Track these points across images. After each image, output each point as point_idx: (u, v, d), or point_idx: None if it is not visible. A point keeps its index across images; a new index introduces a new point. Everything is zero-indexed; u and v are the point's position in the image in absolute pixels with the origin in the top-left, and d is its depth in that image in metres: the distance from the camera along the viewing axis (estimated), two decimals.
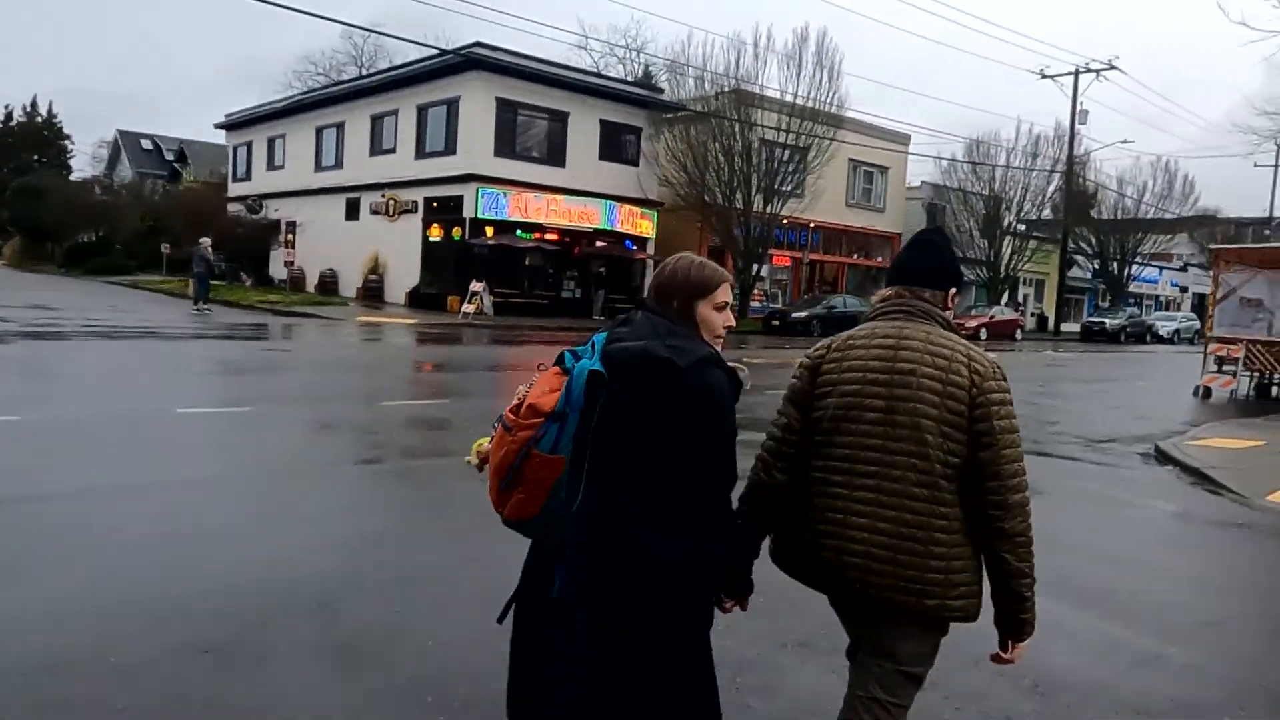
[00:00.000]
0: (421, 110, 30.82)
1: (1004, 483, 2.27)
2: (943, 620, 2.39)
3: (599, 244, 31.21)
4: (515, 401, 2.24)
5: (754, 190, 31.72)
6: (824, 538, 2.40)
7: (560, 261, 31.00)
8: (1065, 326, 45.81)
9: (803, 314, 30.40)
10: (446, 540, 5.61)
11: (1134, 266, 49.54)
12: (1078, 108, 42.25)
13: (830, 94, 31.97)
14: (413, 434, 9.28)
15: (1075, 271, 48.66)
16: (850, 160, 37.99)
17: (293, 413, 9.92)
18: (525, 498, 2.17)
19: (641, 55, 46.91)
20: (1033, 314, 48.69)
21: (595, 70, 37.40)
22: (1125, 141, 62.53)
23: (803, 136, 31.97)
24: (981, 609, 2.40)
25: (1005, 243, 41.90)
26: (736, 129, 31.38)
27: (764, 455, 2.53)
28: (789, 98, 31.75)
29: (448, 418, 10.13)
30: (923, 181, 43.60)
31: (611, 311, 30.43)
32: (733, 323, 2.45)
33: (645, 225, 32.45)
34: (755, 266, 33.04)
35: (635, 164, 32.38)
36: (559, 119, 30.40)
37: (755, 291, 36.25)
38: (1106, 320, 42.52)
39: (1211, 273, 19.47)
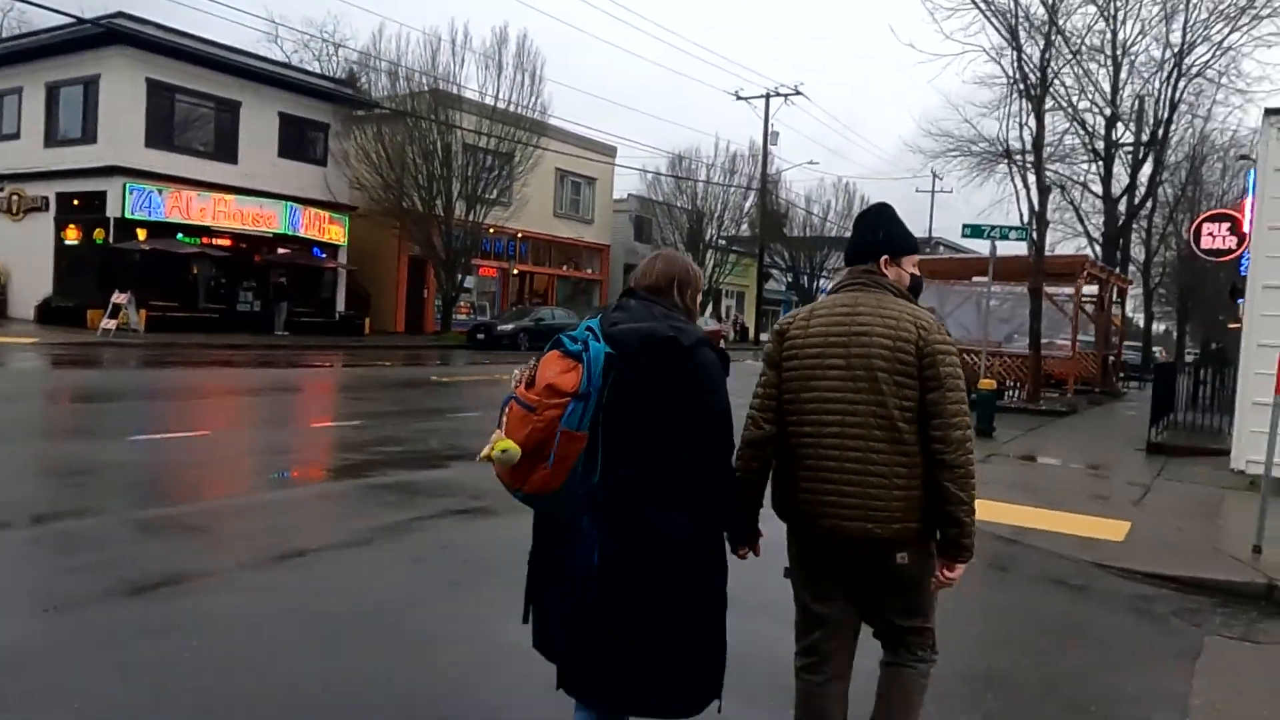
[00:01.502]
0: (52, 89, 25.99)
1: (947, 420, 2.57)
2: (920, 541, 2.66)
3: (281, 251, 27.93)
4: (518, 384, 2.38)
5: (455, 196, 29.91)
6: (801, 483, 2.68)
7: (236, 270, 27.38)
8: (764, 336, 48.25)
9: (509, 327, 28.98)
10: None
11: (822, 279, 53.33)
12: (769, 129, 44.62)
13: (533, 98, 30.99)
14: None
15: (771, 284, 51.50)
16: (558, 170, 37.36)
17: None
18: (550, 474, 2.29)
19: (340, 51, 43.46)
20: (734, 325, 50.82)
21: (277, 60, 33.72)
22: (812, 162, 68.05)
23: (505, 142, 30.66)
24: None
25: (708, 256, 43.21)
26: (435, 130, 29.43)
27: (752, 412, 2.76)
28: (490, 100, 30.32)
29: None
30: (629, 194, 43.99)
31: (296, 326, 27.32)
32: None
33: (336, 231, 29.56)
34: (459, 277, 31.19)
35: (323, 164, 29.44)
36: (229, 109, 26.84)
37: (462, 304, 34.47)
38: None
39: None
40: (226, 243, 26.66)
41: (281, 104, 28.06)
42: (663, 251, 2.76)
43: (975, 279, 17.88)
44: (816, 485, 2.64)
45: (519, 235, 35.69)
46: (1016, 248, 17.16)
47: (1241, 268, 21.61)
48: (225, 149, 26.78)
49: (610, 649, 2.42)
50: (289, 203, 27.63)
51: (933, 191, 58.95)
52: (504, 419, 2.34)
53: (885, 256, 2.81)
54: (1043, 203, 16.52)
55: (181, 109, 25.91)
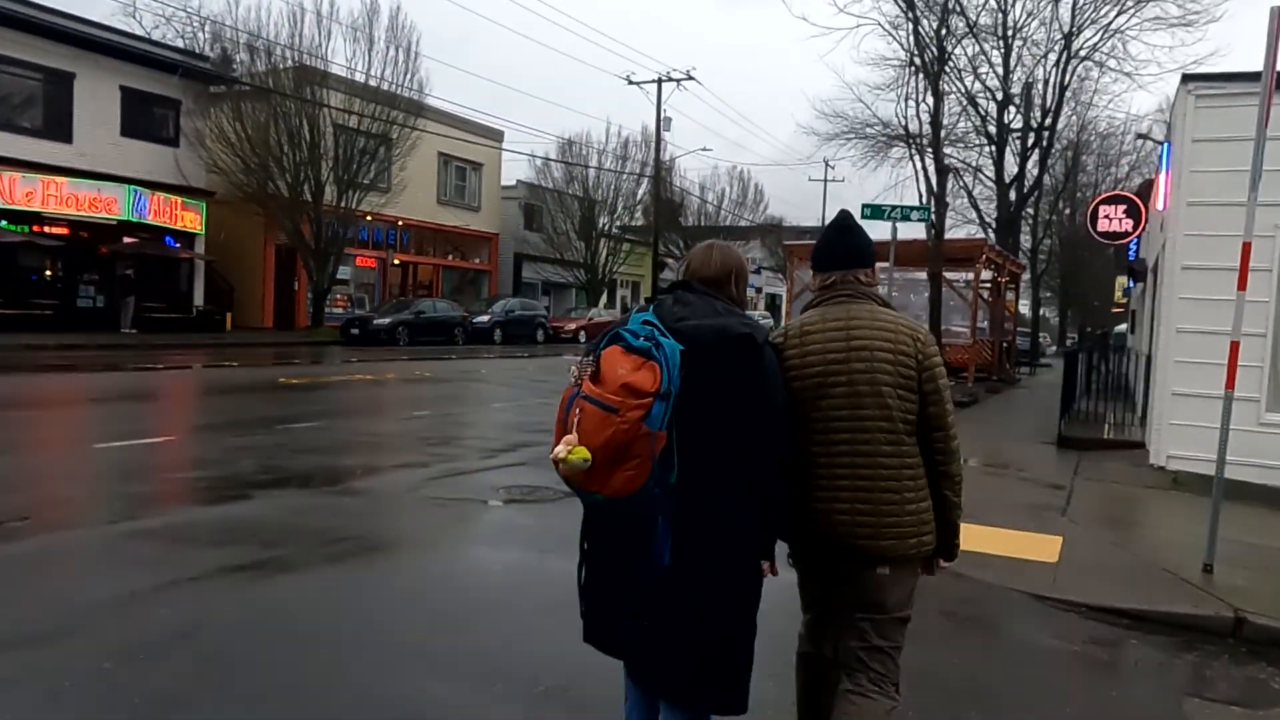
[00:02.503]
0: None
1: (946, 432, 2.66)
2: (919, 558, 2.68)
3: (128, 240, 25.22)
4: (579, 381, 2.32)
5: (325, 180, 27.68)
6: (814, 503, 2.64)
7: (76, 261, 24.55)
8: None
9: (386, 320, 26.98)
10: None
11: None
12: (662, 115, 43.50)
13: (408, 76, 28.98)
14: None
15: (667, 274, 50.48)
16: (441, 154, 35.36)
17: None
18: (635, 474, 2.24)
19: (207, 25, 40.16)
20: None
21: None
22: (705, 149, 66.81)
23: (379, 122, 28.60)
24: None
25: (601, 245, 41.82)
26: (301, 109, 27.14)
27: None
28: (360, 77, 28.19)
29: None
30: (518, 181, 42.19)
31: (147, 323, 24.73)
32: None
33: (191, 218, 26.95)
34: (331, 268, 28.92)
35: (174, 144, 26.78)
36: (60, 80, 23.97)
37: (338, 296, 32.19)
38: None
39: (786, 272, 19.43)
40: (62, 231, 23.86)
41: (124, 77, 25.29)
42: (716, 243, 2.72)
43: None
44: (829, 507, 2.63)
45: (399, 223, 33.57)
46: (914, 231, 16.37)
47: (1131, 251, 21.57)
48: (57, 126, 23.91)
49: (680, 642, 2.42)
50: (134, 186, 24.91)
51: (825, 180, 59.15)
52: (573, 419, 2.29)
53: (868, 268, 2.79)
54: (941, 183, 15.76)
55: (3, 81, 22.98)
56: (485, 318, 30.91)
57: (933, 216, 14.71)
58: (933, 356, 2.64)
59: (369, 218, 30.43)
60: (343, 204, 28.27)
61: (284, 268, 30.46)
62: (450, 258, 38.04)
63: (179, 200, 26.49)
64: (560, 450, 2.25)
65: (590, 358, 2.36)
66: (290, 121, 27.28)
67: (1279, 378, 9.01)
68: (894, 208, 12.83)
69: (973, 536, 6.54)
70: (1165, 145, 10.10)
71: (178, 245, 26.92)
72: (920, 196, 16.27)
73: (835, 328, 2.66)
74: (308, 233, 28.05)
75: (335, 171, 28.22)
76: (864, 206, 12.78)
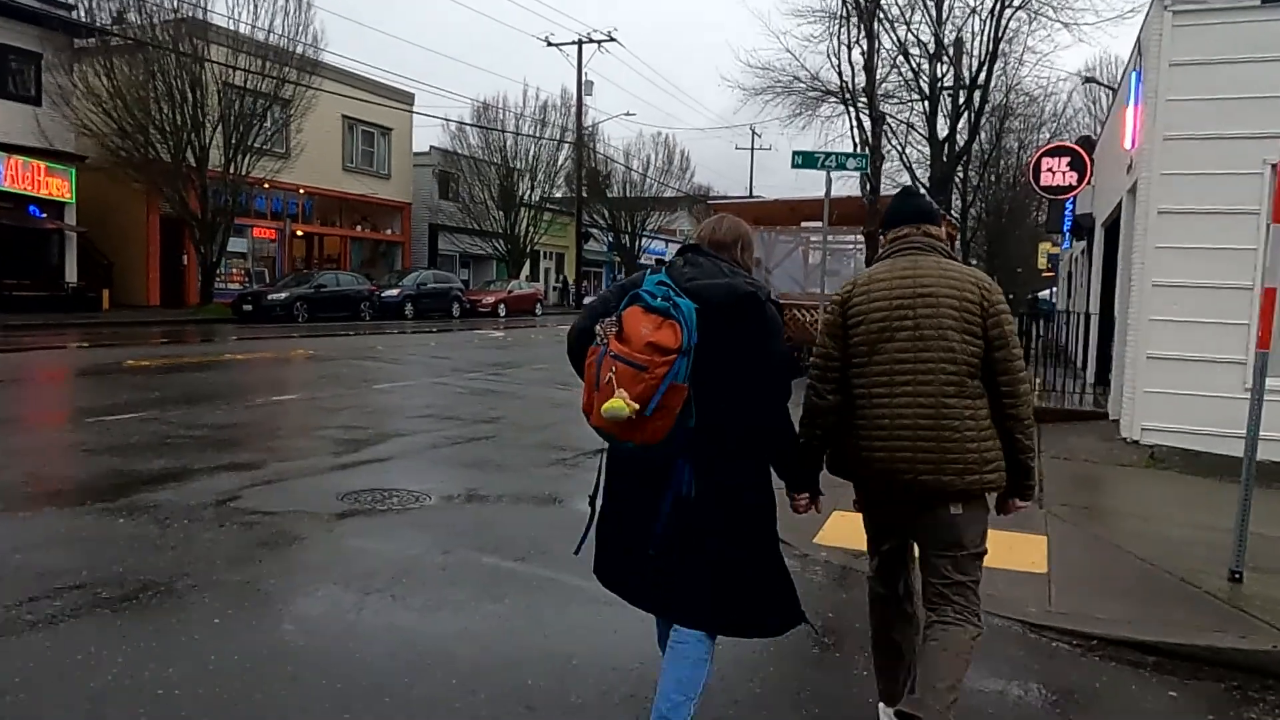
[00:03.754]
0: None
1: (1014, 376, 2.73)
2: (983, 493, 2.78)
3: None
4: (605, 340, 2.49)
5: (209, 144, 25.24)
6: (876, 442, 2.76)
7: None
8: (588, 300, 45.37)
9: (283, 295, 24.77)
10: None
11: (644, 240, 51.06)
12: (583, 78, 41.58)
13: (301, 29, 26.59)
14: None
15: (592, 245, 48.79)
16: (345, 118, 33.01)
17: None
18: (663, 423, 2.44)
19: None
20: (555, 288, 47.89)
21: None
22: (629, 114, 65.18)
23: (271, 80, 26.21)
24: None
25: (522, 214, 39.85)
26: (181, 65, 24.60)
27: (813, 382, 2.90)
28: (247, 29, 25.73)
29: None
30: (432, 147, 39.86)
31: (6, 302, 22.16)
32: None
33: (58, 185, 24.30)
34: (221, 240, 26.46)
35: (36, 103, 24.02)
36: None
37: (234, 271, 29.77)
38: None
39: None
40: None
41: None
42: (725, 214, 2.92)
43: (804, 224, 15.67)
44: (891, 445, 2.73)
45: (301, 191, 31.19)
46: (849, 188, 15.04)
47: (1067, 213, 20.69)
48: None
49: (697, 572, 2.62)
50: None
51: (752, 149, 58.02)
52: (608, 376, 2.43)
53: (929, 224, 2.93)
54: (876, 132, 14.43)
55: None
56: (395, 292, 28.86)
57: (869, 169, 13.35)
58: (998, 304, 2.74)
59: (265, 185, 28.05)
60: (232, 170, 25.87)
61: (171, 240, 27.88)
62: (359, 229, 35.70)
63: (42, 165, 23.81)
64: (610, 406, 2.39)
65: (613, 319, 2.52)
66: (169, 78, 24.73)
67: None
68: (828, 154, 11.42)
69: None
70: (1135, 75, 8.85)
71: (44, 215, 24.25)
72: (854, 148, 14.92)
73: (902, 276, 2.80)
74: (194, 202, 25.59)
75: (223, 134, 25.77)
76: (795, 154, 11.34)
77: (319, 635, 3.68)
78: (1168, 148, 8.04)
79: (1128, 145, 9.20)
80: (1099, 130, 21.09)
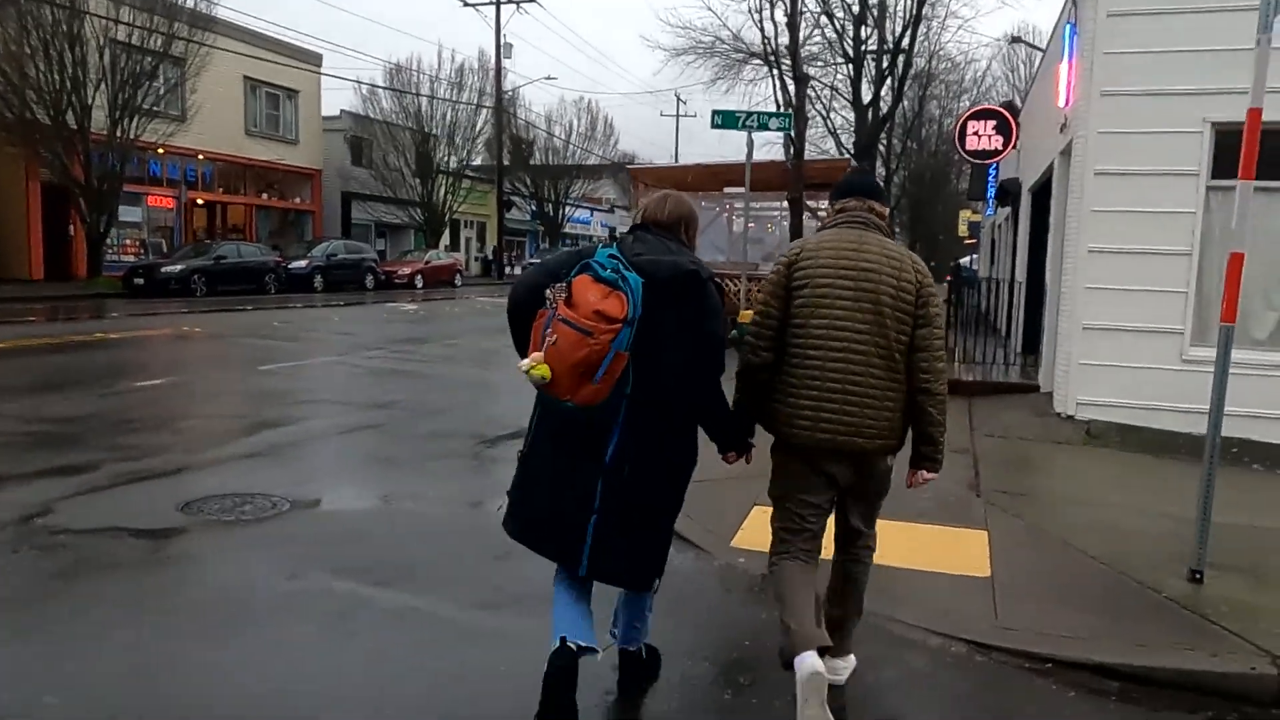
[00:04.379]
0: None
1: (932, 353, 2.93)
2: (888, 453, 3.03)
3: None
4: (554, 305, 2.61)
5: (92, 104, 23.37)
6: (805, 400, 2.93)
7: None
8: (514, 271, 44.07)
9: (178, 268, 23.16)
10: None
11: (568, 208, 49.92)
12: (502, 41, 40.08)
13: None
14: None
15: (515, 214, 47.51)
16: (247, 79, 31.08)
17: None
18: (601, 388, 2.58)
19: None
20: (477, 258, 46.54)
21: None
22: (550, 78, 63.38)
23: (160, 36, 24.37)
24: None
25: (439, 182, 38.37)
26: (57, 18, 22.64)
27: (750, 339, 3.03)
28: None
29: None
30: (343, 111, 38.01)
31: None
32: None
33: None
34: (110, 207, 24.62)
35: None
36: None
37: (128, 242, 27.90)
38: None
39: (632, 197, 17.20)
40: None
41: None
42: (671, 192, 3.03)
43: (727, 189, 15.02)
44: (821, 405, 2.91)
45: (200, 156, 29.33)
46: (772, 150, 14.41)
47: (991, 173, 20.47)
48: None
49: (617, 529, 2.74)
50: None
51: (678, 115, 57.28)
52: (547, 338, 2.56)
53: (876, 201, 3.11)
54: (800, 94, 13.81)
55: None
56: (303, 263, 27.35)
57: (793, 131, 12.72)
58: (929, 287, 2.96)
59: (159, 150, 26.20)
60: (119, 133, 24.03)
61: (55, 210, 25.86)
62: (266, 197, 33.84)
63: None
64: (526, 364, 2.58)
65: (563, 285, 2.63)
66: (45, 34, 22.75)
67: (1205, 305, 7.48)
68: (750, 114, 10.73)
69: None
70: (1069, 26, 8.35)
71: None
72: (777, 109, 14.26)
73: (849, 247, 2.96)
74: (78, 168, 23.70)
75: (109, 94, 23.89)
76: (715, 113, 10.62)
77: (102, 701, 2.88)
78: (1105, 104, 7.55)
79: (1061, 103, 8.72)
80: (1019, 99, 20.88)
